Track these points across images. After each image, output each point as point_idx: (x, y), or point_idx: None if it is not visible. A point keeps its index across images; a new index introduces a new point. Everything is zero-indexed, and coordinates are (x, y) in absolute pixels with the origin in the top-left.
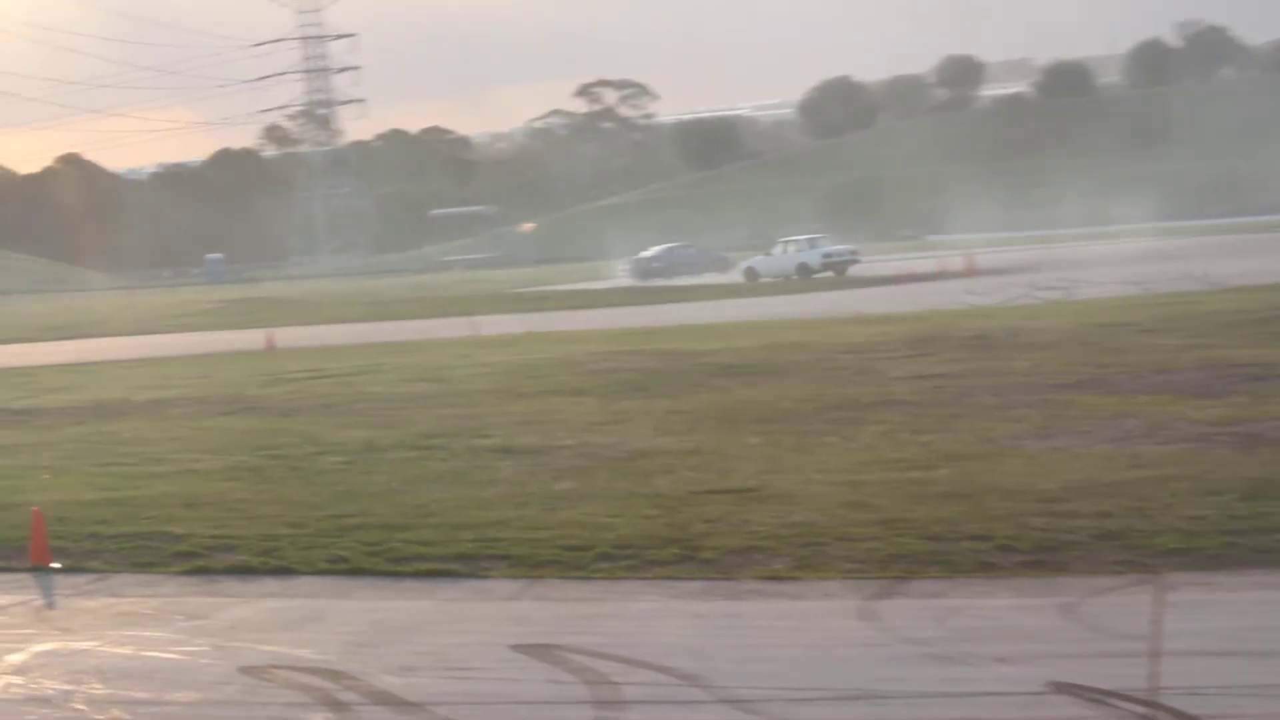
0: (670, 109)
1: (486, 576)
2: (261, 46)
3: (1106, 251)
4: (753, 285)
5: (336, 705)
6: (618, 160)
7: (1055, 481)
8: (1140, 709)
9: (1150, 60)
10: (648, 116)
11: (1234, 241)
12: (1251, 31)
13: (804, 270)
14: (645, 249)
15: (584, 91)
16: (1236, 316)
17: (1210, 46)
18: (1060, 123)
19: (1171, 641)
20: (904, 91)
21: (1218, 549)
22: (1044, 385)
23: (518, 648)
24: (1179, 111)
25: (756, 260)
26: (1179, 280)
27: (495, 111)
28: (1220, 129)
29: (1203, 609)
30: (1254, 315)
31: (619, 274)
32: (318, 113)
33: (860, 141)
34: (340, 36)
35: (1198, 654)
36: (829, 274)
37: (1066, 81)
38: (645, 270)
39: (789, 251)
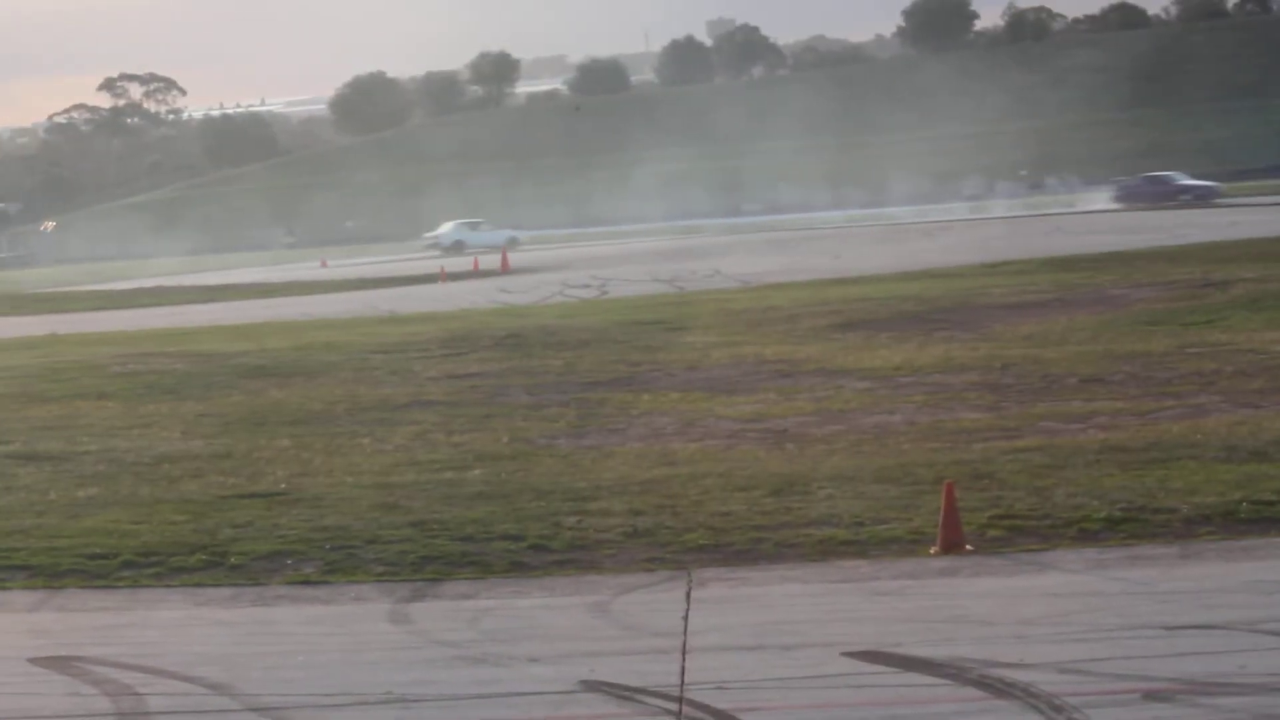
0: (199, 104)
1: (4, 588)
2: None
3: (639, 249)
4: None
5: None
6: (145, 157)
7: (588, 480)
8: (668, 705)
9: (683, 58)
10: (175, 112)
11: (764, 239)
12: (781, 31)
13: (512, 243)
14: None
15: (109, 86)
16: (764, 314)
17: (742, 45)
18: (595, 120)
19: (700, 637)
20: (438, 88)
21: (746, 544)
22: (577, 384)
23: (36, 661)
24: (711, 109)
25: (466, 234)
26: (711, 278)
27: (15, 105)
28: (748, 127)
29: (731, 604)
30: (781, 313)
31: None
32: None
33: (394, 138)
34: None
35: (726, 649)
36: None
37: (601, 79)
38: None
39: (478, 230)
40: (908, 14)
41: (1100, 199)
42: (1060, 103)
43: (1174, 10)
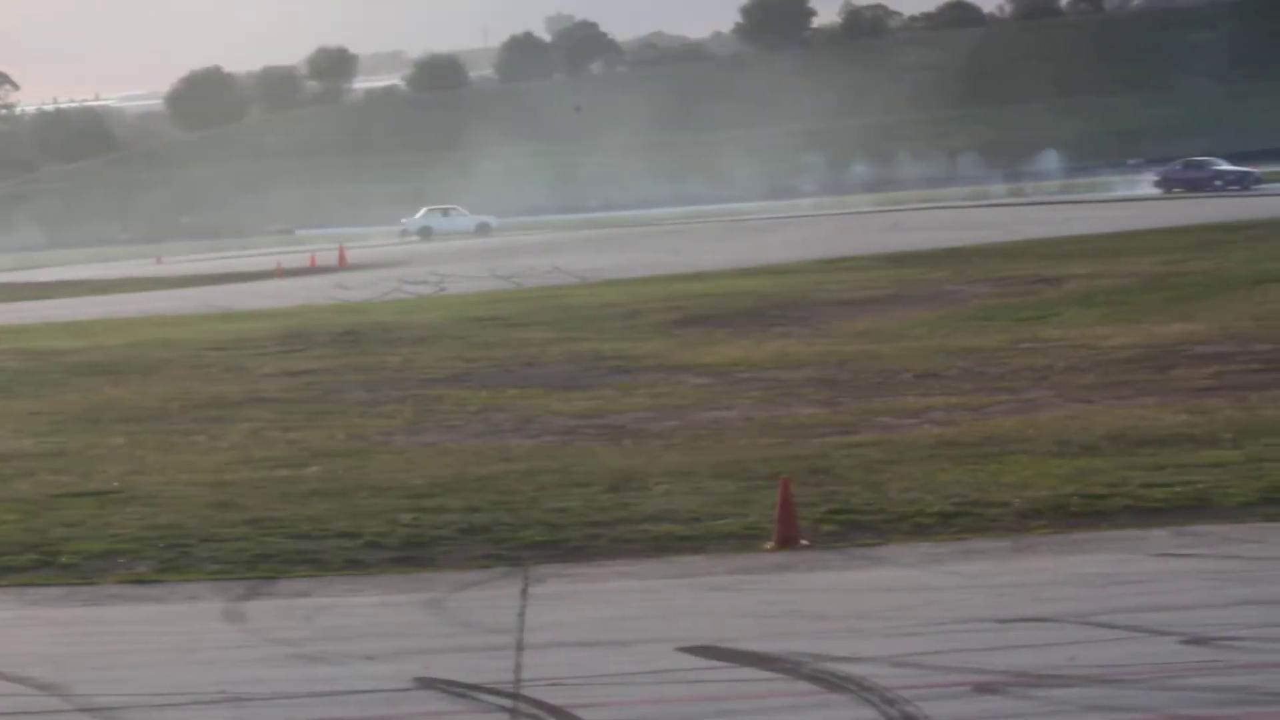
0: (33, 100)
1: None
2: None
3: (479, 245)
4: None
5: None
6: None
7: (424, 477)
8: (503, 701)
9: (522, 54)
10: (8, 107)
11: (604, 235)
12: (620, 27)
13: (483, 229)
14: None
15: None
16: (603, 310)
17: (580, 42)
18: (432, 115)
19: (536, 633)
20: (275, 84)
21: (582, 540)
22: (415, 380)
23: None
24: (549, 105)
25: (435, 221)
26: (550, 274)
27: None
28: (586, 122)
29: (567, 600)
30: (620, 309)
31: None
32: None
33: (232, 134)
34: None
35: (561, 645)
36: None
37: (440, 74)
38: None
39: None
40: (745, 11)
41: (1141, 184)
42: (895, 100)
43: (1008, 9)
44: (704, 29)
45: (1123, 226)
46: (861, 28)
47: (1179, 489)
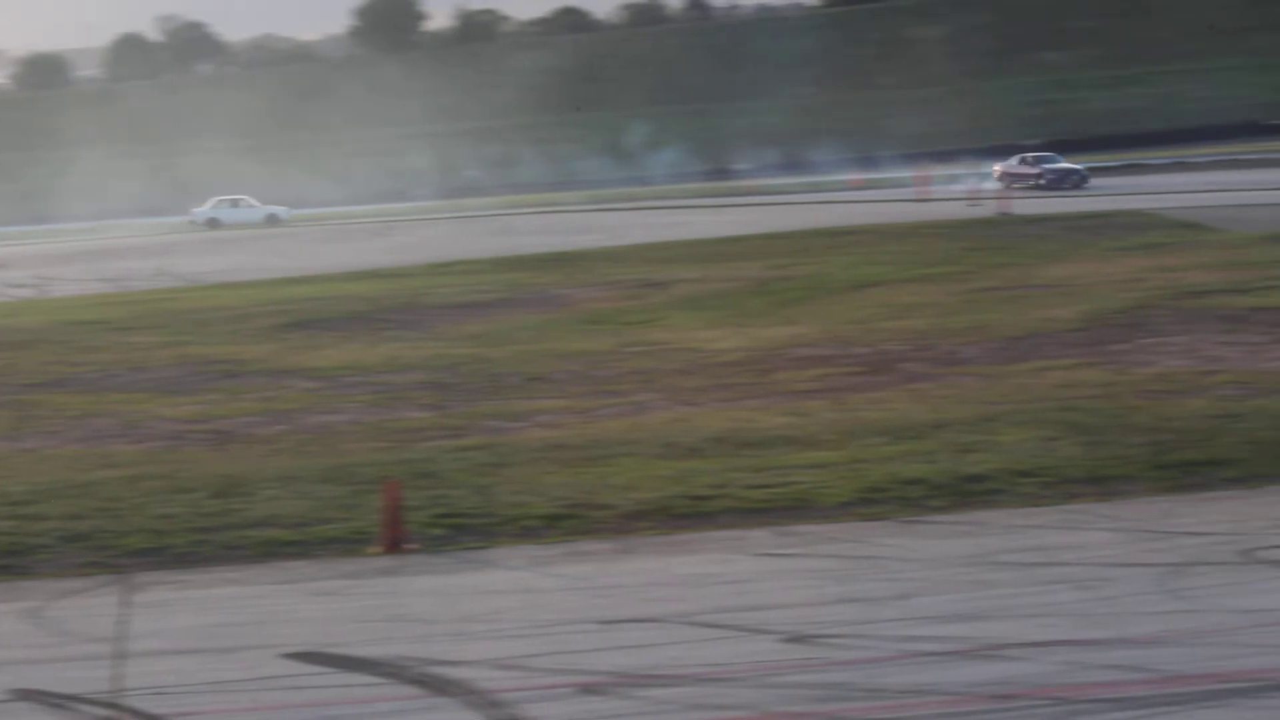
0: None
1: None
2: None
3: (83, 247)
4: None
5: None
6: None
7: (23, 484)
8: (103, 711)
9: (129, 53)
10: None
11: (212, 238)
12: (231, 28)
13: (273, 220)
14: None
15: None
16: (210, 314)
17: (189, 42)
18: (33, 114)
19: (139, 642)
20: None
21: (187, 547)
22: (14, 386)
23: None
24: (155, 106)
25: (223, 212)
26: (157, 277)
27: None
28: (191, 124)
29: (171, 608)
30: (228, 313)
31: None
32: None
33: None
34: None
35: (165, 653)
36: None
37: (43, 73)
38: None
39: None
40: (357, 14)
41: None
42: (507, 103)
43: (620, 15)
44: (316, 31)
45: (731, 231)
46: (473, 32)
47: (780, 490)
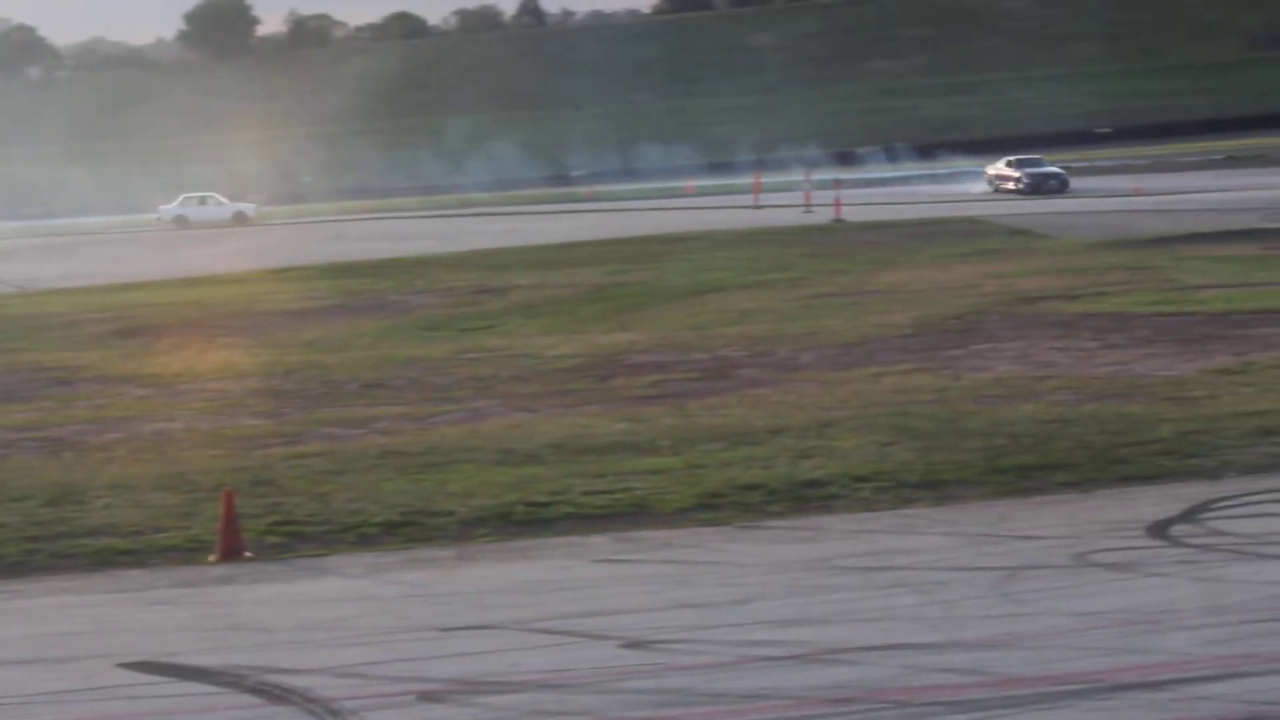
0: None
1: None
2: None
3: None
4: None
5: None
6: None
7: None
8: None
9: None
10: None
11: (44, 244)
12: (60, 32)
13: (240, 218)
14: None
15: None
16: (42, 320)
17: (17, 45)
18: None
19: None
20: None
21: (19, 556)
22: None
23: None
24: None
25: (189, 210)
26: None
27: None
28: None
29: (3, 617)
30: (60, 319)
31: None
32: None
33: None
34: None
35: None
36: None
37: None
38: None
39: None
40: (189, 18)
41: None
42: (340, 109)
43: (454, 20)
44: (148, 35)
45: (568, 237)
46: (307, 37)
47: (619, 496)
